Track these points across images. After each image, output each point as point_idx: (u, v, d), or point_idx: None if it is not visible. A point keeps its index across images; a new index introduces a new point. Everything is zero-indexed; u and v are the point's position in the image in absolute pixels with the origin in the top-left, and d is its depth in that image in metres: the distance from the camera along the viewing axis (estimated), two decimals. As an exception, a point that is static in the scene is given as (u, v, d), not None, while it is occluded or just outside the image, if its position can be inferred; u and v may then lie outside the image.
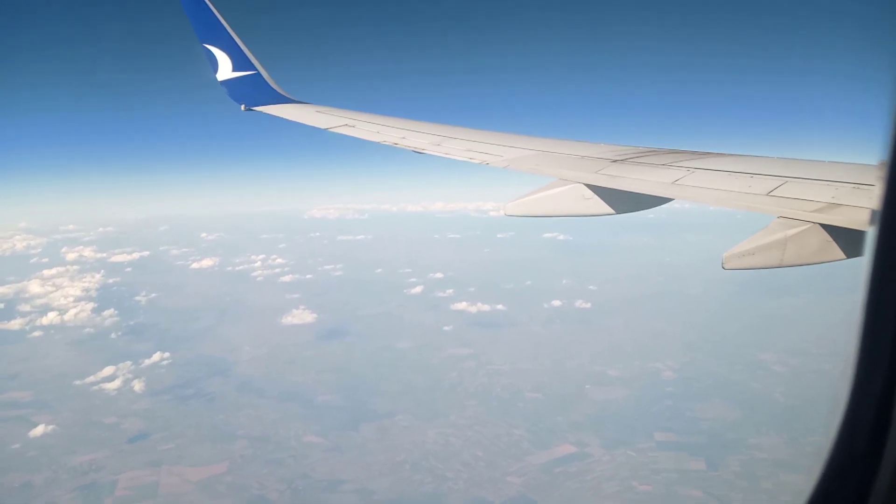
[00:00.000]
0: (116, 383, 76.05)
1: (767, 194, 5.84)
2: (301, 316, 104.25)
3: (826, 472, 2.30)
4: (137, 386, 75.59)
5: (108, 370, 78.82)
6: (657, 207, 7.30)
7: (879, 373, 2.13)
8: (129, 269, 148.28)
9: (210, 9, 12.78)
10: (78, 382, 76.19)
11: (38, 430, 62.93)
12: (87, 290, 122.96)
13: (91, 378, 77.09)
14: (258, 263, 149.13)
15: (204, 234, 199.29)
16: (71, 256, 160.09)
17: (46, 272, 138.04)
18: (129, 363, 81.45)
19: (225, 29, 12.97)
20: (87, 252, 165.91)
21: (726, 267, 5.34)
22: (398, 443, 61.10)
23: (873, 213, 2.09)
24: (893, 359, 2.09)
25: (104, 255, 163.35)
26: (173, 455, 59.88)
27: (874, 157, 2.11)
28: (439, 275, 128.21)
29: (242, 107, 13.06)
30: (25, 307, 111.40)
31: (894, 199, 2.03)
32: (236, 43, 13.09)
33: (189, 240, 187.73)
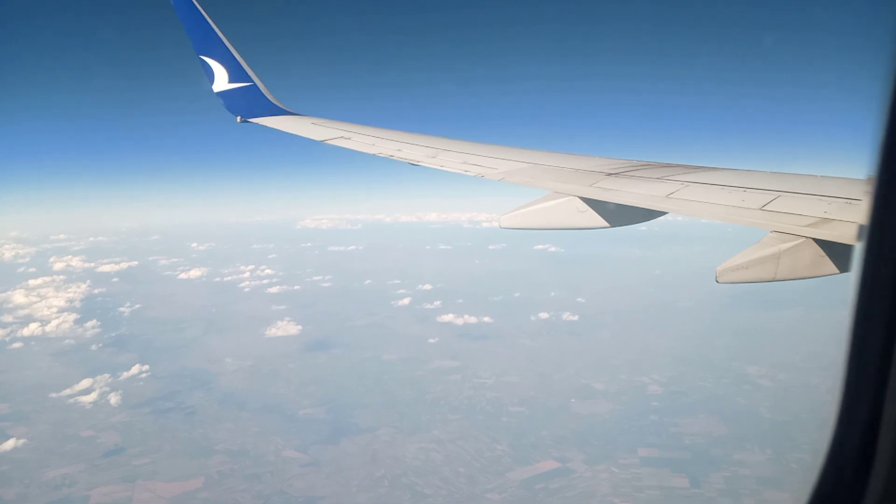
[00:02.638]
0: (93, 396, 74.81)
1: (761, 208, 5.86)
2: (286, 328, 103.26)
3: (816, 489, 2.26)
4: (114, 399, 74.33)
5: (85, 382, 77.65)
6: (650, 220, 7.35)
7: (868, 389, 2.10)
8: (115, 280, 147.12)
9: (206, 20, 12.70)
10: (54, 395, 75.00)
11: (10, 444, 61.77)
12: (71, 300, 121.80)
13: (67, 391, 75.93)
14: (247, 274, 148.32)
15: (195, 244, 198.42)
16: (58, 266, 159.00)
17: (32, 282, 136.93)
18: (107, 375, 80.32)
19: (221, 40, 12.93)
20: (75, 262, 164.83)
21: (720, 280, 5.34)
22: (378, 458, 60.13)
23: (861, 227, 2.08)
24: (882, 373, 2.05)
25: (92, 264, 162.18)
26: (148, 470, 58.78)
27: (865, 171, 2.11)
28: (428, 286, 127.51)
29: (238, 118, 13.04)
30: (7, 318, 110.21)
31: (882, 214, 2.02)
32: (232, 54, 13.06)
33: (179, 250, 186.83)
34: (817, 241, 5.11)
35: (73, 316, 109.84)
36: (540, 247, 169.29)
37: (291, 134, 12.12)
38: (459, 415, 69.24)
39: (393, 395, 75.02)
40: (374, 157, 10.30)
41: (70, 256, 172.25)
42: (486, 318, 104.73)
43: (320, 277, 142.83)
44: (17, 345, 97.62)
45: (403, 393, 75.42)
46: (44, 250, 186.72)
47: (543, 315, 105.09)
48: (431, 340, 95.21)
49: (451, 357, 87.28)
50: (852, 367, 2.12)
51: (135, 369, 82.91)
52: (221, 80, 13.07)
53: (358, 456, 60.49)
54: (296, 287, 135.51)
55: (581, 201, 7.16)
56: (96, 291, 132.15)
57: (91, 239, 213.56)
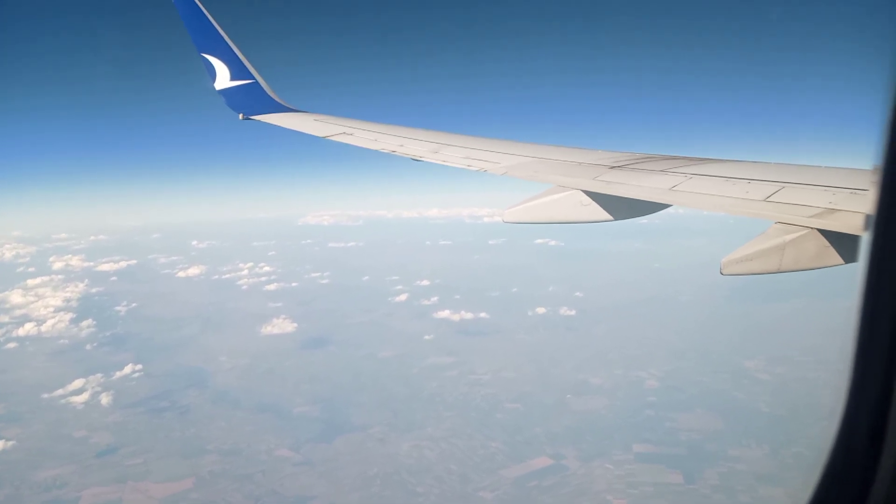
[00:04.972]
0: (85, 396, 74.41)
1: (765, 200, 5.88)
2: (281, 325, 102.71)
3: (822, 481, 2.23)
4: (105, 399, 73.96)
5: (77, 382, 77.24)
6: (653, 213, 7.36)
7: (875, 379, 2.08)
8: (113, 279, 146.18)
9: (208, 18, 12.84)
10: (46, 395, 74.63)
11: (0, 445, 61.49)
12: (68, 300, 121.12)
13: (60, 391, 75.54)
14: (245, 272, 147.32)
15: (195, 242, 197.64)
16: (58, 265, 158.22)
17: (30, 282, 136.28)
18: (99, 375, 79.95)
19: (223, 38, 13.06)
20: (75, 261, 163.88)
21: (724, 273, 5.29)
22: (371, 456, 59.69)
23: (868, 217, 2.09)
24: (889, 366, 2.05)
25: (91, 264, 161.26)
26: (140, 470, 58.54)
27: (871, 161, 2.14)
28: (426, 282, 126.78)
29: (241, 116, 13.14)
30: (4, 318, 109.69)
31: (888, 204, 2.02)
32: (234, 52, 13.21)
33: (179, 248, 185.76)
34: (822, 231, 5.10)
35: (70, 315, 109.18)
36: (540, 241, 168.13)
37: (294, 131, 12.20)
38: (454, 412, 68.74)
39: (388, 392, 74.53)
40: (376, 152, 10.34)
41: (70, 256, 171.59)
42: (483, 314, 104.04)
43: (319, 274, 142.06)
44: (12, 345, 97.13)
45: (398, 390, 74.94)
46: (44, 249, 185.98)
47: (541, 310, 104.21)
48: (428, 337, 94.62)
49: (447, 354, 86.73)
50: (859, 360, 2.06)
51: (128, 369, 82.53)
52: (223, 78, 13.16)
53: (351, 454, 60.10)
54: (294, 284, 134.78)
55: (584, 195, 7.14)
56: (94, 291, 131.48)
57: (92, 238, 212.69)
